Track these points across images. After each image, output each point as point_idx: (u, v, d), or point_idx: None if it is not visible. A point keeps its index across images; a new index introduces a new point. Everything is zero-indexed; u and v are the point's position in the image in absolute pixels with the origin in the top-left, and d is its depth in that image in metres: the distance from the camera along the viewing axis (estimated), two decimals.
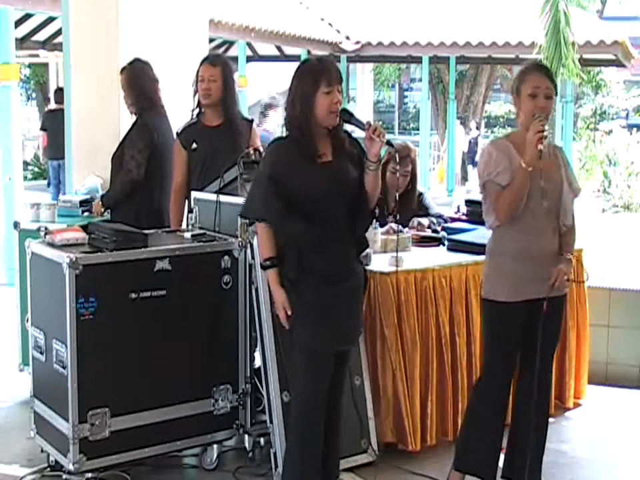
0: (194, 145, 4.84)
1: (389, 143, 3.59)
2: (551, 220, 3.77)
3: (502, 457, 4.03)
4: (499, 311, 3.83)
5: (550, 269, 3.73)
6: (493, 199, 3.75)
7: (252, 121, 5.08)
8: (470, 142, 19.07)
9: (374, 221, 4.01)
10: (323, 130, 3.57)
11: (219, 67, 4.78)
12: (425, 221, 5.22)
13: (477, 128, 19.16)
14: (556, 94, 3.76)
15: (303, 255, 3.54)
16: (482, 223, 4.08)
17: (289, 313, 3.56)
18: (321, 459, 3.68)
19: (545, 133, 3.61)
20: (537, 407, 3.85)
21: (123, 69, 5.23)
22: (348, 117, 3.61)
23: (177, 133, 4.94)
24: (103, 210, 5.29)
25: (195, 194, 4.62)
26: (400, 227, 4.86)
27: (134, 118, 5.21)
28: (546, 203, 3.73)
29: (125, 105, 5.29)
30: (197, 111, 4.90)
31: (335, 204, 3.54)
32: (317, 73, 3.51)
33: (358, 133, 3.67)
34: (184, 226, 4.82)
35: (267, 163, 3.65)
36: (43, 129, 11.67)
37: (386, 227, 4.95)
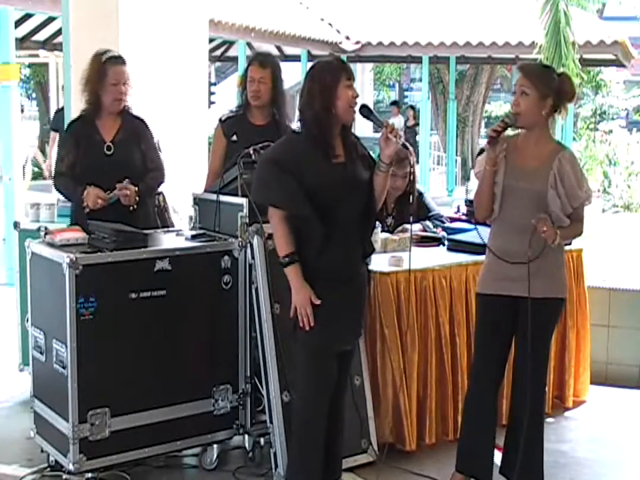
0: (234, 137, 4.74)
1: (404, 145, 3.61)
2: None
3: (500, 455, 4.07)
4: (477, 302, 4.03)
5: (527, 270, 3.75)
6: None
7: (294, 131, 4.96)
8: (405, 131, 18.08)
9: (377, 223, 4.01)
10: (337, 129, 3.58)
11: (268, 68, 4.69)
12: (415, 227, 5.15)
13: (414, 117, 18.78)
14: (539, 91, 3.75)
15: (309, 254, 3.54)
16: (482, 223, 4.10)
17: (316, 302, 3.49)
18: (324, 460, 3.68)
19: (499, 133, 3.75)
20: (525, 406, 3.87)
21: (124, 61, 4.69)
22: (367, 112, 3.62)
23: (220, 120, 4.83)
24: (136, 202, 4.61)
25: (195, 194, 4.61)
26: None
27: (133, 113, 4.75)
28: (522, 204, 3.76)
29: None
30: (242, 105, 4.79)
31: (345, 205, 3.55)
32: (337, 67, 3.57)
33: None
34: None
35: (276, 150, 3.64)
36: (54, 129, 11.25)
37: (400, 227, 5.00)
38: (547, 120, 3.85)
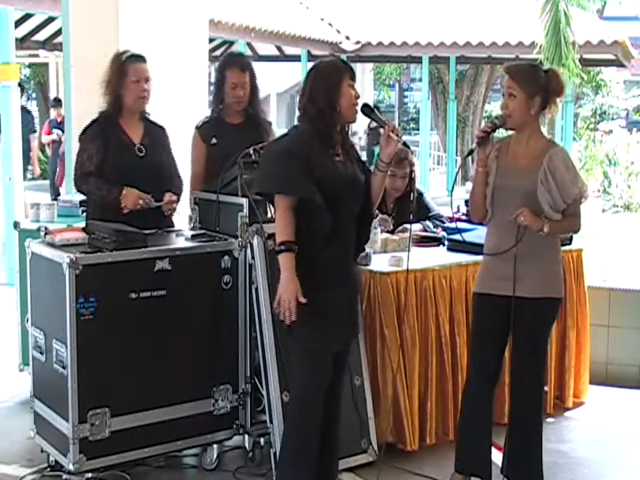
0: (213, 140, 4.73)
1: (405, 144, 3.63)
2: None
3: (499, 454, 4.07)
4: (473, 301, 4.06)
5: (520, 269, 3.75)
6: None
7: (270, 123, 4.99)
8: (368, 134, 15.35)
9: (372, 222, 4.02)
10: (338, 128, 3.60)
11: (247, 72, 4.66)
12: (415, 227, 5.15)
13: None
14: (526, 91, 3.74)
15: (311, 250, 3.53)
16: (481, 223, 4.12)
17: (301, 300, 3.44)
18: (319, 460, 3.67)
19: (486, 131, 3.78)
20: (523, 406, 3.89)
21: (144, 59, 4.56)
22: (369, 111, 3.63)
23: (196, 127, 4.80)
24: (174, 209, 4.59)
25: (194, 193, 4.61)
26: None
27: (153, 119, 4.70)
28: (514, 203, 3.75)
29: None
30: (216, 108, 4.78)
31: (345, 203, 3.56)
32: (341, 67, 3.61)
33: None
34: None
35: (283, 141, 3.63)
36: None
37: (400, 227, 5.01)
38: (537, 118, 3.84)
